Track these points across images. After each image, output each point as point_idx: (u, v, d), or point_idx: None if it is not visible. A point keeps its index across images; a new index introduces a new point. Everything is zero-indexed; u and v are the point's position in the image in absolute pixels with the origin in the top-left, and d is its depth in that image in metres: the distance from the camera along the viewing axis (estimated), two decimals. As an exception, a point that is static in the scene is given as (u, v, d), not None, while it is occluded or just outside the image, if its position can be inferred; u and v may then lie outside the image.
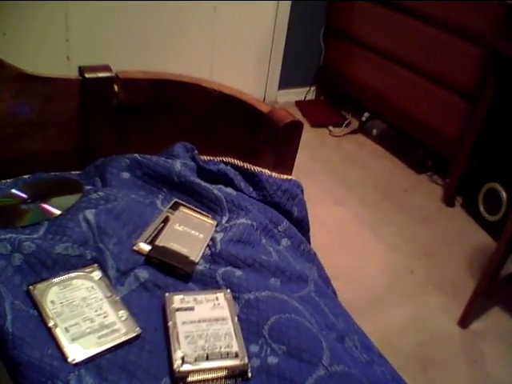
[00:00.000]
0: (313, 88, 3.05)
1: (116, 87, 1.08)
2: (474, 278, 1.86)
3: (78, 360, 0.68)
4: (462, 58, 2.18)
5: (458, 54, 2.19)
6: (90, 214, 0.86)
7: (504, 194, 2.06)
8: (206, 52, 2.64)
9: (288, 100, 2.98)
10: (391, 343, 1.61)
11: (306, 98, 3.05)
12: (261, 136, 1.13)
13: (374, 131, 2.72)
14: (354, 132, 2.79)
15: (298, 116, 2.83)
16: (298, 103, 2.99)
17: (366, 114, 2.77)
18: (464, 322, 1.71)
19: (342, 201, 2.25)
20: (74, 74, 1.08)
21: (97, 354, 0.69)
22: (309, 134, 2.70)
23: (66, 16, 2.19)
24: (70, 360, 0.68)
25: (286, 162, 1.12)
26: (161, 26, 2.44)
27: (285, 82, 2.94)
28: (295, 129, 1.09)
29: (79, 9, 2.20)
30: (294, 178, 1.12)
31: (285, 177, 1.10)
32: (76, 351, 0.69)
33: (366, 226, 2.12)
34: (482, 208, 2.18)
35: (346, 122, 2.82)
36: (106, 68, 1.07)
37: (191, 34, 2.54)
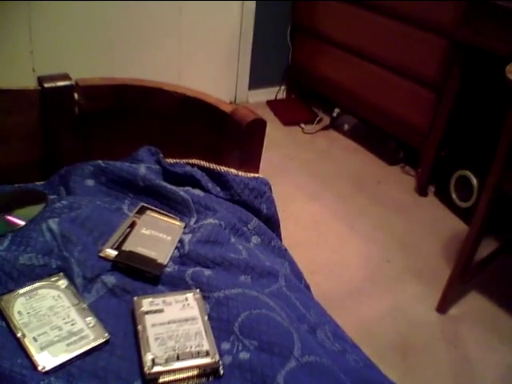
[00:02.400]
0: (283, 87, 3.07)
1: (76, 95, 1.07)
2: (449, 265, 1.88)
3: (47, 368, 0.68)
4: (426, 49, 2.21)
5: (422, 45, 2.23)
6: (53, 223, 0.86)
7: (475, 181, 2.10)
8: (174, 55, 2.64)
9: (259, 100, 2.99)
10: (371, 333, 1.63)
11: (277, 97, 3.07)
12: (225, 136, 1.13)
13: (346, 126, 2.75)
14: (325, 128, 2.82)
15: (270, 115, 2.85)
16: (269, 102, 3.00)
17: (337, 110, 2.80)
18: (442, 307, 1.74)
19: (317, 196, 2.27)
20: (33, 85, 1.07)
21: (66, 361, 0.69)
22: (281, 133, 2.72)
23: (29, 28, 2.17)
24: (40, 368, 0.67)
25: (251, 161, 1.13)
26: (127, 31, 2.43)
27: (255, 83, 2.96)
28: (258, 127, 1.10)
29: (42, 19, 2.18)
30: (260, 176, 1.12)
31: (252, 175, 1.11)
32: (45, 359, 0.68)
33: (341, 220, 2.14)
34: (454, 195, 2.22)
35: (318, 119, 2.84)
36: (65, 77, 1.07)
37: (157, 37, 2.54)
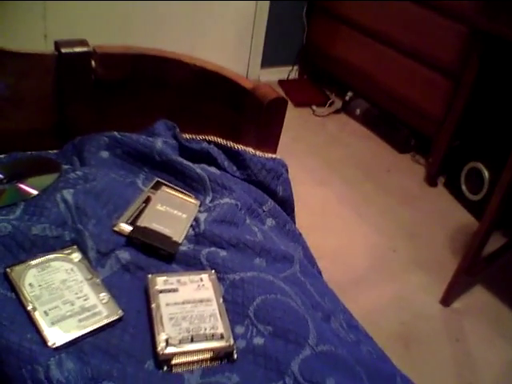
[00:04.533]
0: (296, 67, 3.02)
1: (93, 62, 1.03)
2: (456, 257, 1.87)
3: (58, 344, 0.66)
4: (446, 36, 2.17)
5: (442, 32, 2.18)
6: (67, 193, 0.83)
7: (486, 174, 2.07)
8: (187, 29, 2.59)
9: (271, 79, 2.94)
10: (374, 322, 1.61)
11: (289, 77, 3.02)
12: (244, 113, 1.10)
13: (358, 111, 2.71)
14: (337, 112, 2.78)
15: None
16: (281, 82, 2.95)
17: (350, 94, 2.75)
18: (446, 300, 1.73)
19: (326, 181, 2.24)
20: (50, 49, 1.03)
21: (78, 337, 0.67)
22: (292, 114, 2.67)
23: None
24: (49, 344, 0.65)
25: (270, 141, 1.10)
26: (141, 2, 2.37)
27: (267, 61, 2.90)
28: (280, 106, 1.07)
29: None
30: (278, 157, 1.09)
31: (269, 155, 1.08)
32: (56, 335, 0.66)
33: (349, 206, 2.11)
34: (464, 187, 2.19)
35: (330, 102, 2.80)
36: (83, 43, 1.03)
37: (172, 10, 2.48)
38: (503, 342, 1.63)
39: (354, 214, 2.08)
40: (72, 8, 2.21)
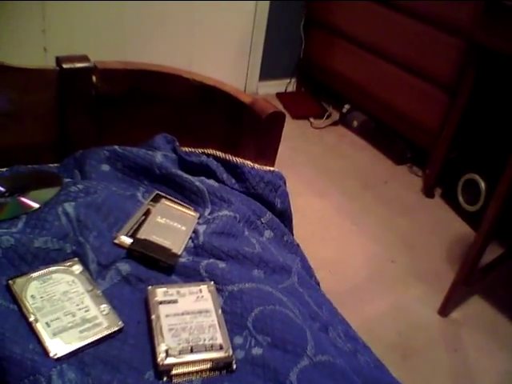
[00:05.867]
0: (293, 80, 3.05)
1: (94, 78, 1.05)
2: (453, 268, 1.88)
3: (59, 355, 0.67)
4: (442, 49, 2.19)
5: (438, 45, 2.21)
6: (69, 206, 0.85)
7: (483, 185, 2.09)
8: (186, 43, 2.61)
9: (269, 92, 2.97)
10: (372, 332, 1.62)
11: (287, 90, 3.04)
12: (243, 127, 1.12)
13: (355, 123, 2.73)
14: (334, 124, 2.80)
15: (279, 108, 2.82)
16: (279, 95, 2.98)
17: (347, 106, 2.78)
18: (444, 310, 1.74)
19: (324, 192, 2.26)
20: (51, 65, 1.05)
21: (79, 348, 0.68)
22: (290, 126, 2.70)
23: (42, 5, 2.14)
24: (51, 355, 0.66)
25: (268, 154, 1.11)
26: (140, 15, 2.40)
27: (265, 74, 2.93)
28: (277, 120, 1.09)
29: (55, -2, 2.15)
30: (276, 170, 1.11)
31: (267, 168, 1.10)
32: (57, 346, 0.68)
33: (347, 217, 2.13)
34: (461, 198, 2.21)
35: (327, 114, 2.82)
36: (84, 58, 1.05)
37: (170, 24, 2.51)
38: (501, 352, 1.64)
39: (353, 225, 2.09)
40: (71, 22, 2.23)
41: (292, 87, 3.06)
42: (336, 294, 1.74)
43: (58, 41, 2.23)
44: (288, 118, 2.78)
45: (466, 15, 2.05)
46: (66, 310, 0.72)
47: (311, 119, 2.80)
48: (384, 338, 1.62)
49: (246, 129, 1.11)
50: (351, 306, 1.71)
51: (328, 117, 2.82)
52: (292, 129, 2.69)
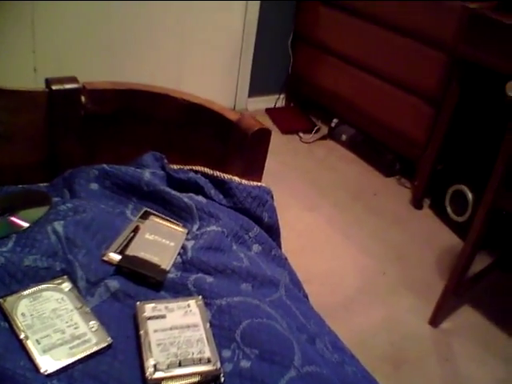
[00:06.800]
0: (282, 95, 3.09)
1: (83, 98, 1.08)
2: (443, 278, 1.90)
3: (50, 371, 0.68)
4: (427, 63, 2.24)
5: (423, 59, 2.25)
6: (58, 225, 0.86)
7: (470, 195, 2.12)
8: (175, 61, 2.65)
9: (258, 108, 3.00)
10: (364, 343, 1.63)
11: (276, 106, 3.08)
12: (230, 144, 1.14)
13: (343, 137, 2.77)
14: (323, 138, 2.83)
15: (269, 123, 2.86)
16: (269, 110, 3.01)
17: (335, 120, 2.81)
18: (435, 321, 1.75)
19: (314, 205, 2.28)
20: (41, 85, 1.07)
21: (68, 364, 0.69)
22: (280, 141, 2.73)
23: (32, 26, 2.17)
24: (42, 371, 0.68)
25: (255, 169, 1.13)
26: (128, 33, 2.43)
27: (254, 90, 2.97)
28: (263, 136, 1.11)
29: (46, 19, 2.18)
30: (263, 185, 1.13)
31: (254, 183, 1.11)
32: (48, 362, 0.69)
33: (337, 230, 2.15)
34: (449, 209, 2.24)
35: (316, 129, 2.86)
36: (73, 79, 1.07)
37: (158, 41, 2.54)
38: (492, 361, 1.65)
39: (343, 237, 2.11)
40: (61, 42, 2.26)
41: (281, 103, 3.10)
42: (328, 306, 1.76)
43: (48, 61, 2.25)
44: (278, 133, 2.82)
45: (449, 29, 2.10)
46: (55, 327, 0.74)
47: (300, 134, 2.83)
48: (376, 349, 1.63)
49: (233, 145, 1.14)
50: (343, 317, 1.73)
51: (317, 131, 2.85)
52: (282, 143, 2.72)
